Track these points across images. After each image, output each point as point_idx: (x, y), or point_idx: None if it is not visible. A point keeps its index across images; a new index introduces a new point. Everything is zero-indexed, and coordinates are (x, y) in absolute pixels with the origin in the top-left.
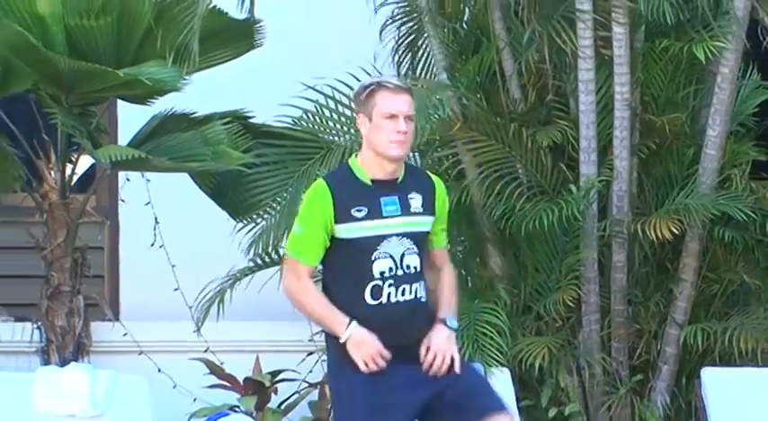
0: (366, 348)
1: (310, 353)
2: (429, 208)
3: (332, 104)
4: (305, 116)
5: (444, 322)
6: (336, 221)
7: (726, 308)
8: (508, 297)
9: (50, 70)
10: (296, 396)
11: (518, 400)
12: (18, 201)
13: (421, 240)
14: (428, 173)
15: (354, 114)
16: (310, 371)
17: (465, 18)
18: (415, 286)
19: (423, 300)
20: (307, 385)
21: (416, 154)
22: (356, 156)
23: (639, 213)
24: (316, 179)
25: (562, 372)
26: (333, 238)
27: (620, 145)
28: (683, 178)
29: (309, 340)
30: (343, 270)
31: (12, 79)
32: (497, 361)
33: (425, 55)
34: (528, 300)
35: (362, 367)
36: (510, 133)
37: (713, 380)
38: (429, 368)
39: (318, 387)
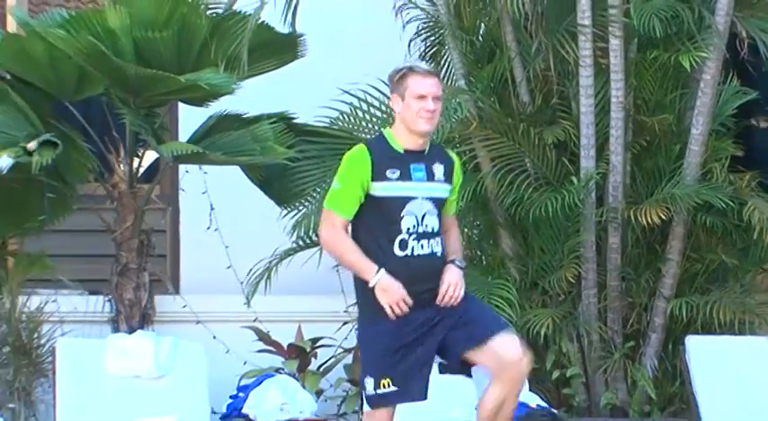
0: (392, 294)
1: (345, 323)
2: (449, 178)
3: (364, 106)
4: (341, 116)
5: (454, 262)
6: (373, 179)
7: (707, 284)
8: (517, 274)
9: (120, 76)
10: (332, 360)
11: None
12: (92, 190)
13: (440, 204)
14: (447, 149)
15: (389, 94)
16: (345, 338)
17: (481, 31)
18: (432, 242)
19: (438, 254)
20: (342, 350)
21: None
22: (390, 128)
23: (632, 201)
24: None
25: (564, 340)
26: (367, 196)
27: (615, 142)
28: (670, 171)
29: (345, 311)
30: (374, 226)
31: (86, 84)
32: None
33: (446, 64)
34: (534, 276)
35: (388, 311)
36: (519, 132)
37: (695, 346)
38: (443, 299)
39: (352, 351)
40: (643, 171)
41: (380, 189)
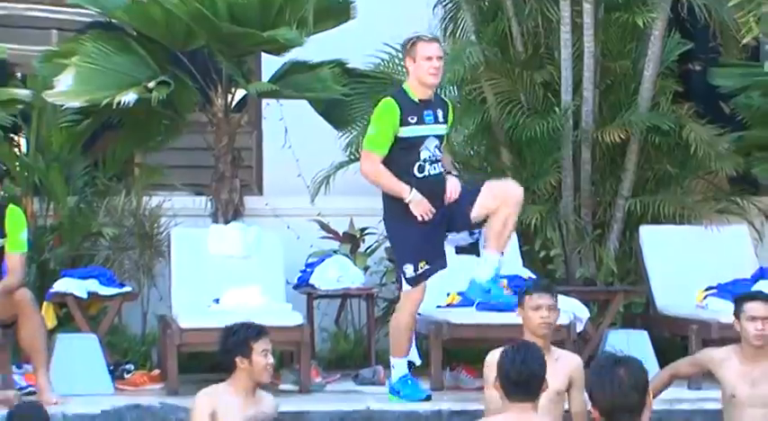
0: (423, 206)
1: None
2: (446, 119)
3: (399, 56)
4: (382, 63)
5: (451, 174)
6: (401, 125)
7: (656, 187)
8: (514, 179)
9: (217, 33)
10: (376, 244)
11: (520, 246)
12: (197, 117)
13: (442, 138)
14: (442, 97)
15: (404, 58)
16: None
17: None
18: (437, 165)
19: (441, 175)
20: (383, 237)
21: (455, 87)
22: (407, 83)
23: (600, 125)
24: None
25: (548, 228)
26: (395, 137)
27: (587, 81)
28: (628, 103)
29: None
30: (401, 158)
31: (192, 39)
32: None
33: (461, 23)
34: (526, 181)
35: (419, 218)
36: (516, 74)
37: (647, 233)
38: (449, 198)
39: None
40: (608, 103)
41: (406, 131)
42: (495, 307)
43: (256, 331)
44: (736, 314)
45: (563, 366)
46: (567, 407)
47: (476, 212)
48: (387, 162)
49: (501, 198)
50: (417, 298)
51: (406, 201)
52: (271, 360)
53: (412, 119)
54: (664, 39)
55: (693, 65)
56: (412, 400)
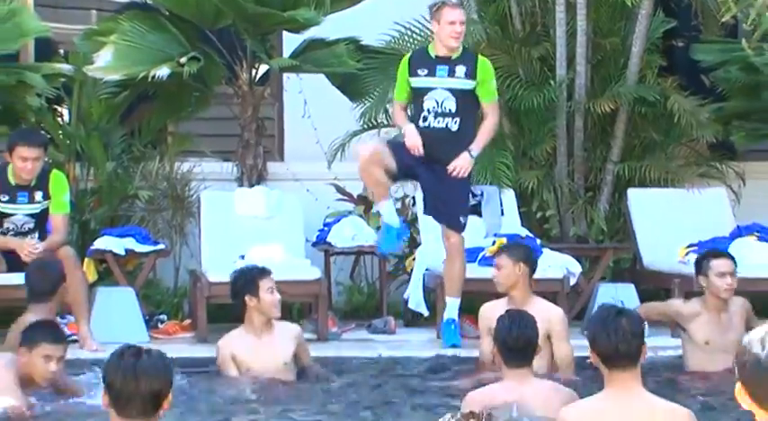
0: (409, 139)
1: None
2: (471, 74)
3: (408, 33)
4: (393, 40)
5: (469, 152)
6: (410, 75)
7: (642, 153)
8: (513, 147)
9: (243, 12)
10: None
11: (518, 207)
12: (224, 90)
13: (459, 94)
14: (478, 55)
15: (430, 20)
16: (396, 192)
17: None
18: (446, 120)
19: (453, 130)
20: (395, 199)
21: None
22: (432, 42)
23: (591, 96)
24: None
25: (544, 191)
26: (411, 87)
27: (580, 57)
28: (617, 76)
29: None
30: (413, 106)
31: (219, 18)
32: (508, 184)
33: (465, 4)
34: (524, 148)
35: (407, 145)
36: (515, 50)
37: (634, 196)
38: (451, 172)
39: (400, 201)
40: (599, 76)
41: (414, 82)
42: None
43: (260, 270)
44: (703, 272)
45: (539, 317)
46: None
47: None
48: (409, 108)
49: (448, 246)
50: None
51: (402, 131)
52: (277, 296)
53: (422, 71)
54: (650, 17)
55: (677, 41)
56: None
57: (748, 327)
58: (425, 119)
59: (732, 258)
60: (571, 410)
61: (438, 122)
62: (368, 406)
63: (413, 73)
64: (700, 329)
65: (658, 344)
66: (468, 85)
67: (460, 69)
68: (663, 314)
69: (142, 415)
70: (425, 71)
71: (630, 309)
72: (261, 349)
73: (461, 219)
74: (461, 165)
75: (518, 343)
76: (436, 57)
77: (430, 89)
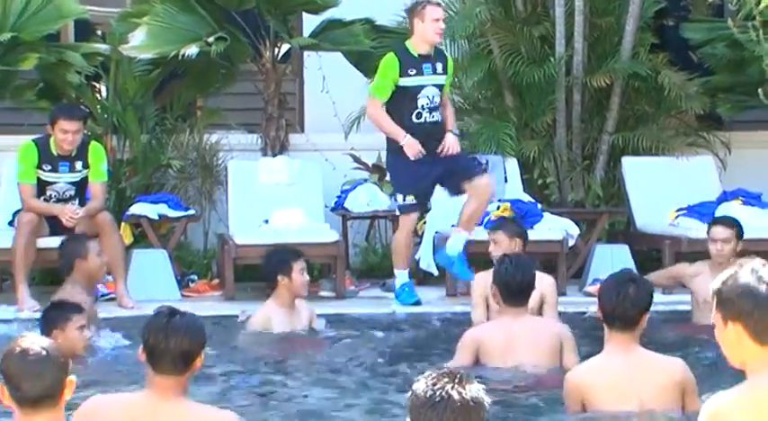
0: (413, 149)
1: None
2: (444, 70)
3: None
4: (403, 21)
5: (452, 131)
6: (400, 76)
7: (635, 124)
8: (515, 119)
9: None
10: None
11: (521, 175)
12: (249, 67)
13: (441, 88)
14: (444, 52)
15: (410, 19)
16: None
17: None
18: (435, 113)
19: (440, 121)
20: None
21: (466, 40)
22: (409, 41)
23: (588, 72)
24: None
25: (545, 160)
26: (397, 86)
27: (577, 35)
28: (612, 53)
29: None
30: (401, 104)
31: (245, 0)
32: (511, 153)
33: None
34: (526, 120)
35: (412, 157)
36: (517, 29)
37: (628, 163)
38: (441, 152)
39: None
40: (595, 53)
41: (404, 81)
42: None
43: (295, 253)
44: (708, 236)
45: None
46: None
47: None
48: (390, 109)
49: (472, 187)
50: (408, 222)
51: (401, 143)
52: (307, 277)
53: (411, 71)
54: None
55: (667, 21)
56: (406, 304)
57: None
58: (420, 115)
59: (734, 225)
60: (577, 370)
61: (432, 116)
62: (383, 358)
63: (404, 74)
64: (700, 289)
65: (669, 300)
66: (443, 79)
67: (439, 66)
68: (671, 277)
69: (174, 371)
70: (414, 71)
71: (644, 278)
72: (287, 322)
73: (480, 162)
74: (451, 143)
75: (516, 284)
76: (419, 55)
77: (422, 87)
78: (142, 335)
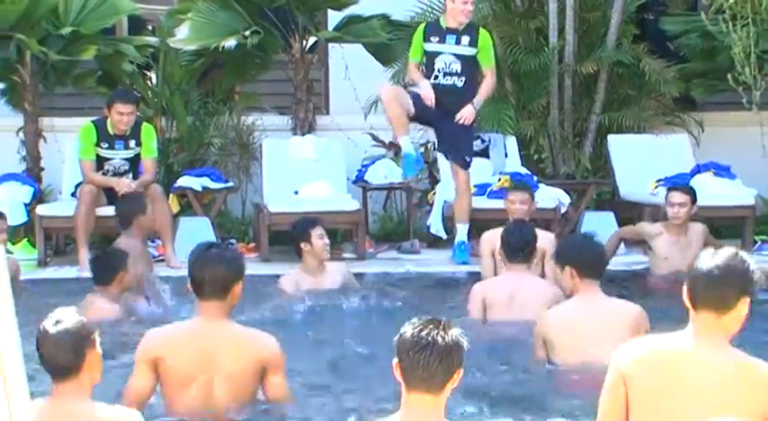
0: (426, 93)
1: (420, 130)
2: (473, 43)
3: (429, 10)
4: (416, 16)
5: (473, 104)
6: (424, 41)
7: (619, 106)
8: (514, 101)
9: None
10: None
11: (519, 151)
12: (280, 57)
13: (464, 58)
14: (480, 27)
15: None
16: (419, 138)
17: None
18: (453, 78)
19: (459, 86)
20: (420, 145)
21: None
22: (443, 15)
23: (578, 60)
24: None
25: (540, 137)
26: (424, 50)
27: (569, 27)
28: (599, 43)
29: (419, 129)
30: (426, 66)
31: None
32: (510, 132)
33: None
34: (524, 102)
35: (422, 94)
36: (516, 22)
37: (614, 141)
38: (458, 119)
39: (424, 146)
40: (584, 43)
41: (427, 46)
42: (499, 195)
43: (312, 221)
44: (666, 200)
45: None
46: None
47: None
48: (423, 69)
49: (456, 185)
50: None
51: (419, 89)
52: (326, 241)
53: (434, 38)
54: None
55: (648, 14)
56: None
57: (706, 247)
58: (436, 77)
59: (689, 192)
60: (550, 313)
61: (447, 80)
62: (399, 310)
63: (426, 39)
64: (660, 247)
65: (633, 261)
66: (470, 51)
67: (465, 39)
68: (634, 233)
69: (213, 296)
70: (437, 38)
71: (594, 235)
72: (314, 283)
73: (467, 158)
74: (466, 114)
75: (519, 244)
76: (447, 28)
77: (440, 53)
78: (188, 265)
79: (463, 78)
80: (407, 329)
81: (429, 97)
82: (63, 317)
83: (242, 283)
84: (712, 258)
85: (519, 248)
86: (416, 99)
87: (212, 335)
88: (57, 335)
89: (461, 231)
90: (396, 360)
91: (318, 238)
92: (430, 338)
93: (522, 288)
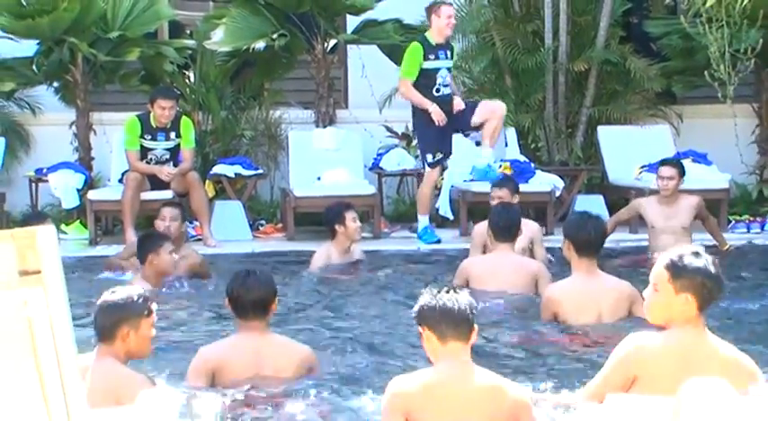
0: (439, 115)
1: None
2: (451, 56)
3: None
4: (426, 21)
5: (456, 95)
6: (424, 60)
7: (608, 100)
8: (513, 96)
9: (316, 1)
10: None
11: (518, 140)
12: (304, 58)
13: (450, 69)
14: (451, 42)
15: (428, 15)
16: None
17: None
18: (446, 88)
19: (449, 96)
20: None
21: (474, 35)
22: (428, 32)
23: (571, 59)
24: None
25: (536, 129)
26: (421, 69)
27: (562, 30)
28: (590, 44)
29: None
30: (424, 82)
31: (300, 5)
32: (510, 124)
33: None
34: (522, 97)
35: (437, 122)
36: (515, 26)
37: (603, 132)
38: (456, 109)
39: None
40: (576, 44)
41: (427, 65)
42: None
43: (347, 205)
44: (657, 174)
45: (526, 230)
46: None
47: (475, 119)
48: (417, 86)
49: (491, 112)
50: (434, 176)
51: (429, 110)
52: (359, 224)
53: (432, 56)
54: (612, 1)
55: (633, 18)
56: (428, 243)
57: (701, 218)
58: (439, 90)
59: (677, 166)
60: (554, 288)
61: (445, 90)
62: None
63: (426, 58)
64: (648, 216)
65: (620, 238)
66: (451, 63)
67: (448, 52)
68: (630, 210)
69: (255, 317)
70: (433, 56)
71: (598, 215)
72: (347, 261)
73: (478, 105)
74: (459, 102)
75: (506, 224)
76: (436, 44)
77: (439, 69)
78: (227, 290)
79: (449, 86)
80: (426, 297)
81: (442, 119)
82: (117, 290)
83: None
84: (439, 295)
85: (506, 228)
86: (429, 135)
87: (258, 347)
88: (104, 305)
89: (487, 154)
90: (422, 328)
91: (352, 221)
92: (450, 294)
93: (504, 265)
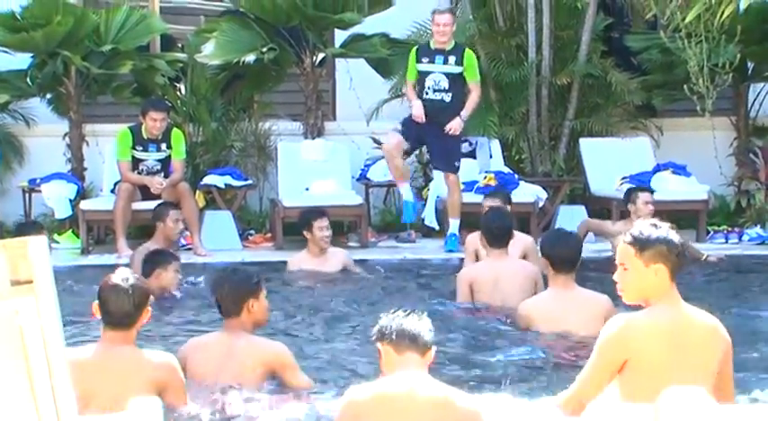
0: (417, 111)
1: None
2: (459, 62)
3: (423, 29)
4: (412, 34)
5: (460, 117)
6: (417, 62)
7: (590, 113)
8: (498, 110)
9: (306, 15)
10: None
11: (502, 152)
12: (293, 71)
13: (452, 76)
14: (465, 47)
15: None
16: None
17: None
18: (441, 94)
19: (446, 101)
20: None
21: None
22: (432, 38)
23: (553, 73)
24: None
25: (520, 141)
26: (417, 70)
27: (545, 44)
28: (572, 58)
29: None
30: (419, 83)
31: (289, 19)
32: (494, 135)
33: (463, 7)
34: (507, 110)
35: (414, 114)
36: (499, 40)
37: (585, 144)
38: (447, 131)
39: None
40: (558, 58)
41: (420, 67)
42: (485, 191)
43: (318, 212)
44: (632, 200)
45: (519, 243)
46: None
47: (439, 167)
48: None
49: (448, 186)
50: (393, 139)
51: (410, 105)
52: (326, 233)
53: (425, 59)
54: (594, 16)
55: (613, 33)
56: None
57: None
58: (426, 93)
59: (652, 192)
60: (528, 302)
61: (435, 96)
62: (397, 292)
63: (419, 60)
64: (616, 245)
65: (601, 248)
66: (457, 69)
67: (452, 58)
68: (598, 228)
69: (228, 315)
70: (427, 59)
71: (573, 233)
72: (317, 268)
73: (456, 163)
74: (455, 126)
75: (499, 230)
76: (435, 49)
77: (430, 72)
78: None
79: (450, 94)
80: (386, 319)
81: (419, 116)
82: (128, 275)
83: (258, 301)
84: (399, 314)
85: (499, 233)
86: (408, 124)
87: (234, 345)
88: (125, 287)
89: (454, 225)
90: (380, 343)
91: (318, 230)
92: (410, 315)
93: (504, 270)
